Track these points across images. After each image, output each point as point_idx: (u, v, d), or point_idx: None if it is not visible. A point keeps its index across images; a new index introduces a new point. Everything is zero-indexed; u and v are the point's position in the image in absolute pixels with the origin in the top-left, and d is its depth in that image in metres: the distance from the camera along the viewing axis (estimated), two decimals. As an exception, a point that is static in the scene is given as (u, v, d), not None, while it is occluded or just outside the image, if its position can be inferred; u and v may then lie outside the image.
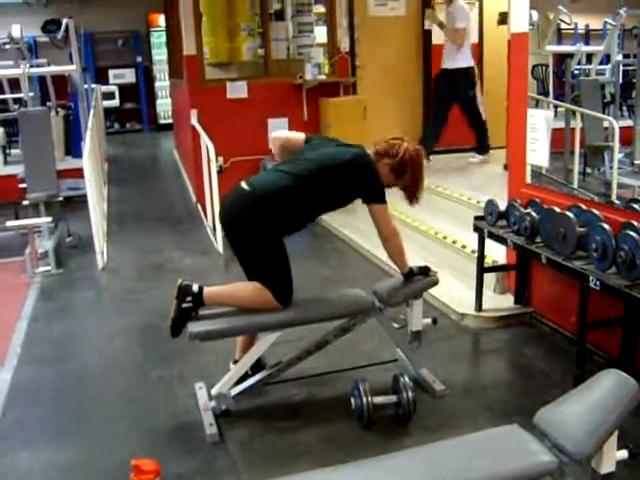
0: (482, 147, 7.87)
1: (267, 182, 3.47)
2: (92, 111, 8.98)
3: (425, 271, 3.73)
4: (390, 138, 3.65)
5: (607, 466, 2.24)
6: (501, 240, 4.37)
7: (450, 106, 7.77)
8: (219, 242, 6.39)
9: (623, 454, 2.28)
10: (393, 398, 3.44)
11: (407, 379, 3.47)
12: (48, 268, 6.09)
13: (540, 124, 4.42)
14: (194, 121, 7.68)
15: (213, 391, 3.55)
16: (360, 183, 3.50)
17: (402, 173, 3.57)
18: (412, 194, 3.66)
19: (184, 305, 3.41)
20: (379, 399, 3.42)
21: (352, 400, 3.44)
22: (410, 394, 3.39)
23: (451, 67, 7.58)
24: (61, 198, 6.82)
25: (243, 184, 3.47)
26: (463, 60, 7.54)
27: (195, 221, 7.78)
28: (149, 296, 5.40)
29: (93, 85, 11.86)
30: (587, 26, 7.79)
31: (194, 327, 3.37)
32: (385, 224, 3.54)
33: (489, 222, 4.53)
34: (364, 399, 3.36)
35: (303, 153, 3.58)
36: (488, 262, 4.83)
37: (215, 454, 3.24)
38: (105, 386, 4.03)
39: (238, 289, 3.50)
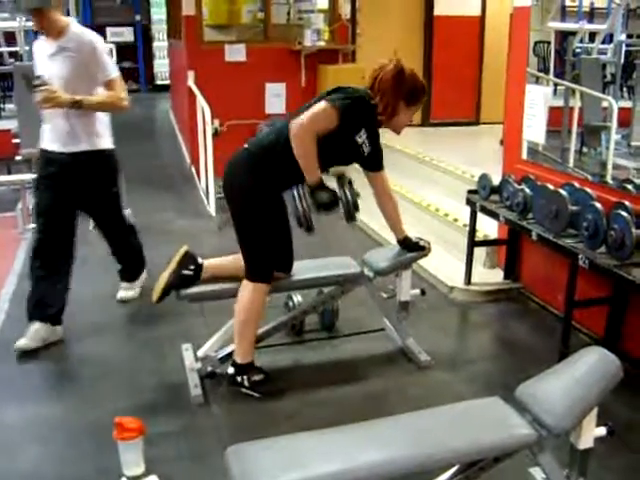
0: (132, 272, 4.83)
1: (261, 137, 3.41)
2: (88, 68, 8.88)
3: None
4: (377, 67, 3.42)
5: (585, 442, 2.26)
6: (493, 215, 4.38)
7: None
8: (212, 205, 6.37)
9: (602, 431, 2.31)
10: None
11: (350, 178, 3.43)
12: (39, 225, 6.05)
13: (538, 100, 4.40)
14: (191, 83, 7.62)
15: (199, 353, 3.57)
16: (356, 128, 3.25)
17: (391, 102, 3.30)
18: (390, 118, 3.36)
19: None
20: None
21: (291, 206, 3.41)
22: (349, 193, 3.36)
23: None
24: (54, 155, 6.76)
25: (245, 145, 3.39)
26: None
27: (189, 183, 7.75)
28: (139, 257, 5.38)
29: (90, 42, 11.70)
30: (592, 4, 7.71)
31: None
32: (307, 116, 3.13)
33: (482, 196, 4.53)
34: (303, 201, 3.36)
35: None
36: (479, 236, 4.84)
37: (199, 415, 3.27)
38: (91, 345, 4.03)
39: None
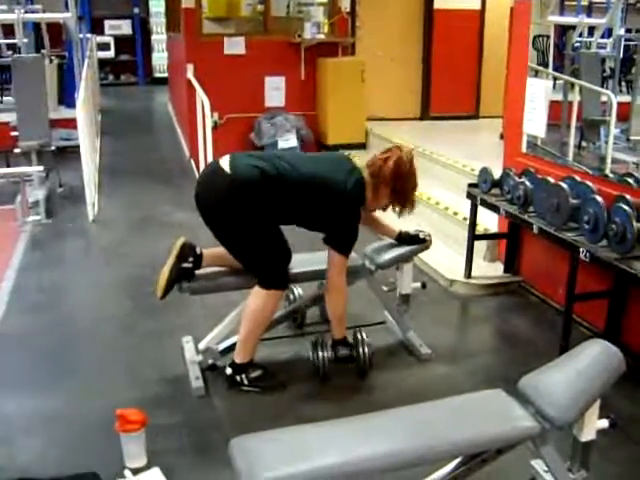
0: None
1: (245, 169, 3.17)
2: (87, 61, 8.87)
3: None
4: (383, 151, 3.34)
5: (588, 434, 2.27)
6: (494, 208, 4.38)
7: None
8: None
9: (604, 423, 2.31)
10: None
11: (364, 335, 3.53)
12: (38, 217, 6.06)
13: (539, 94, 4.39)
14: (190, 75, 7.61)
15: (200, 345, 3.57)
16: (334, 217, 3.25)
17: (407, 190, 3.29)
18: (411, 203, 3.34)
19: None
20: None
21: (310, 355, 3.49)
22: (367, 350, 3.47)
23: None
24: (53, 148, 6.77)
25: (223, 164, 3.21)
26: None
27: (187, 176, 7.73)
28: (138, 249, 5.41)
29: (88, 35, 11.69)
30: (590, -2, 7.72)
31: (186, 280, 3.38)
32: (335, 278, 3.32)
33: (482, 190, 4.53)
34: (320, 354, 3.45)
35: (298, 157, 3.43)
36: (479, 230, 4.84)
37: (200, 407, 3.27)
38: (92, 337, 4.04)
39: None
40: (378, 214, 3.61)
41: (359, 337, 3.50)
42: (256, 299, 3.30)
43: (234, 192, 3.14)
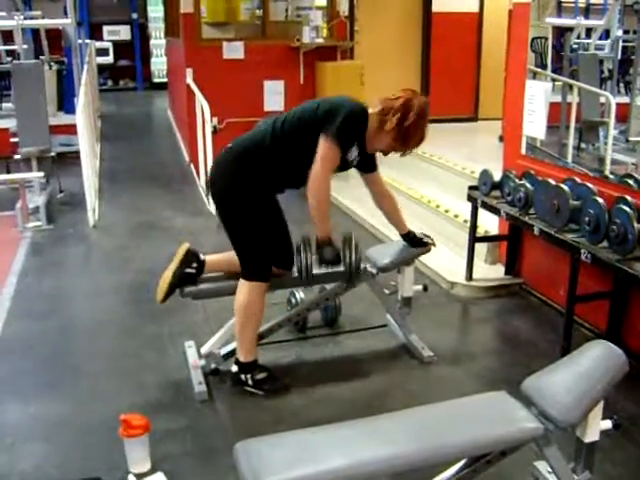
0: None
1: (245, 137, 3.33)
2: (86, 67, 8.88)
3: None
4: (396, 91, 3.26)
5: (591, 435, 2.27)
6: (494, 210, 4.38)
7: None
8: (211, 203, 6.35)
9: (607, 424, 2.32)
10: None
11: (355, 239, 3.37)
12: (39, 223, 6.06)
13: (538, 96, 4.40)
14: (189, 80, 7.62)
15: (203, 350, 3.57)
16: (326, 117, 3.15)
17: (413, 135, 3.20)
18: (414, 145, 3.27)
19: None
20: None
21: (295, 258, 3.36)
22: (354, 253, 3.33)
23: None
24: (53, 153, 6.77)
25: (229, 144, 3.36)
26: None
27: (188, 181, 7.75)
28: (140, 254, 5.41)
29: (87, 41, 11.70)
30: (588, 0, 7.73)
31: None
32: (319, 161, 3.11)
33: (483, 192, 4.53)
34: (306, 254, 3.32)
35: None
36: (480, 232, 4.84)
37: (203, 412, 3.27)
38: (95, 342, 4.04)
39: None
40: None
41: (347, 241, 3.33)
42: (240, 292, 3.32)
43: (236, 160, 3.23)
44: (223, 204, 3.33)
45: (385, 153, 3.35)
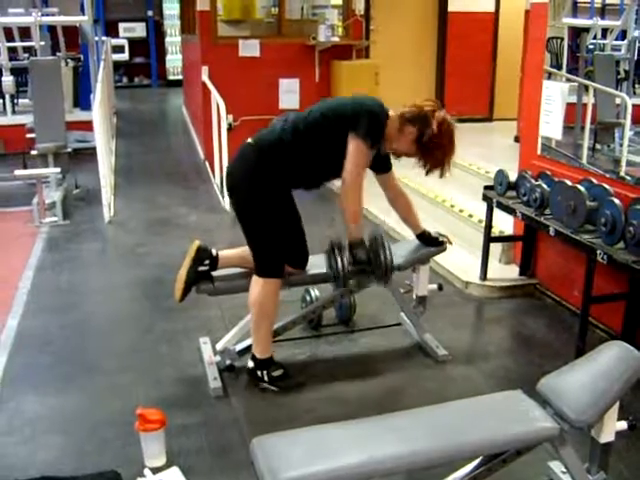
0: None
1: (265, 132, 3.33)
2: (102, 64, 8.93)
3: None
4: (422, 101, 3.24)
5: (607, 436, 2.28)
6: (509, 210, 4.38)
7: None
8: (226, 200, 6.39)
9: (622, 425, 2.32)
10: None
11: (385, 240, 3.42)
12: (55, 219, 6.11)
13: (555, 96, 4.39)
14: (205, 78, 7.65)
15: (218, 346, 3.59)
16: (353, 117, 3.18)
17: (433, 149, 3.17)
18: (436, 166, 3.24)
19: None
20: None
21: (326, 262, 3.38)
22: (388, 254, 3.36)
23: None
24: (69, 149, 6.81)
25: (249, 139, 3.35)
26: None
27: (203, 178, 7.79)
28: (155, 250, 5.44)
29: (103, 38, 11.75)
30: (604, 0, 7.70)
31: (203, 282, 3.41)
32: (350, 168, 3.15)
33: (498, 192, 4.53)
34: (339, 257, 3.32)
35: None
36: (495, 232, 4.84)
37: (218, 408, 3.29)
38: (110, 337, 4.07)
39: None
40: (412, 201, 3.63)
41: (379, 241, 3.38)
42: (255, 288, 3.34)
43: (260, 157, 3.23)
44: (239, 198, 3.34)
45: (398, 155, 3.35)
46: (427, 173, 3.28)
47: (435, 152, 3.19)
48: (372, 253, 3.37)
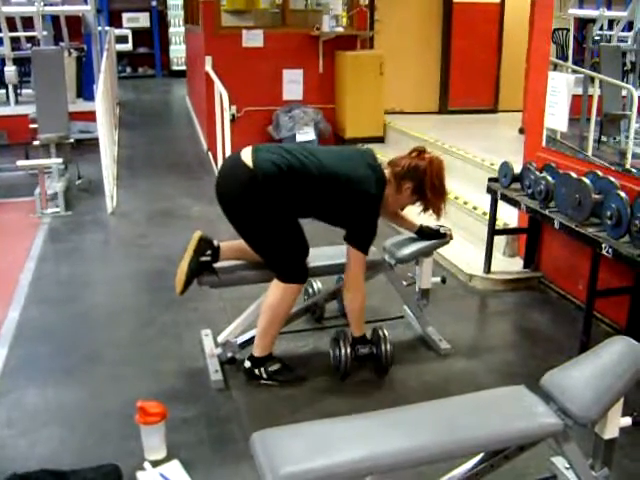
0: None
1: (266, 164, 3.10)
2: (105, 54, 8.89)
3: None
4: (410, 152, 3.33)
5: (610, 432, 2.25)
6: (514, 203, 4.35)
7: None
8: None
9: (627, 421, 2.29)
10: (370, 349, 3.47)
11: (385, 332, 3.48)
12: (57, 209, 6.09)
13: (561, 87, 4.35)
14: (208, 68, 7.61)
15: (220, 338, 3.57)
16: (354, 214, 3.21)
17: (424, 194, 3.28)
18: (437, 209, 3.35)
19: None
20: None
21: (330, 351, 3.47)
22: (388, 347, 3.43)
23: None
24: (72, 140, 6.79)
25: (246, 158, 3.15)
26: None
27: (205, 169, 7.76)
28: (157, 242, 5.42)
29: (107, 28, 11.72)
30: (610, -10, 7.64)
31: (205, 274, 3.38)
32: (354, 275, 3.29)
33: (503, 184, 4.50)
34: (342, 350, 3.39)
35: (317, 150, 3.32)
36: (499, 225, 4.81)
37: (219, 400, 3.27)
38: (112, 329, 4.05)
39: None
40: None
41: (380, 334, 3.46)
42: (275, 292, 3.28)
43: (256, 187, 3.09)
44: (241, 219, 3.24)
45: (401, 210, 3.51)
46: (424, 212, 3.40)
47: (433, 195, 3.29)
48: (373, 345, 3.45)
